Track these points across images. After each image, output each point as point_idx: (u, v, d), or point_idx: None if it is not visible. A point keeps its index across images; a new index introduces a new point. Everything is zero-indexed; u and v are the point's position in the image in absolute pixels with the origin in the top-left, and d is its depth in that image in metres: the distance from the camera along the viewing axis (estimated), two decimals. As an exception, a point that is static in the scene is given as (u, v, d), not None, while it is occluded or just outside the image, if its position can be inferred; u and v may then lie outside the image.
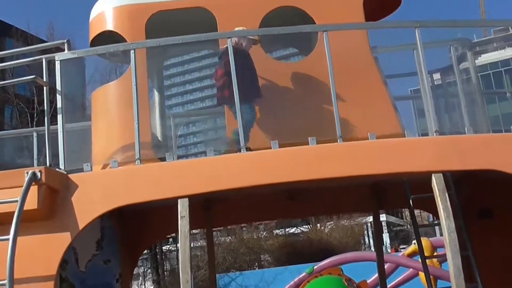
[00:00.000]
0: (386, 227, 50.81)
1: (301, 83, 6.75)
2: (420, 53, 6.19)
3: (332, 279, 13.38)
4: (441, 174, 5.60)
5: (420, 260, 8.37)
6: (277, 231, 39.32)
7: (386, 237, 48.62)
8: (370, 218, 46.82)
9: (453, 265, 5.34)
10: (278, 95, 6.71)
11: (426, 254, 12.16)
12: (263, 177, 5.77)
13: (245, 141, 5.96)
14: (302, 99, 6.68)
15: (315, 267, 17.82)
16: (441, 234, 7.38)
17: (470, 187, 7.22)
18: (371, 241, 51.25)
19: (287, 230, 40.91)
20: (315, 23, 6.96)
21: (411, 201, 6.99)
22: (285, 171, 5.77)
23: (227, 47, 6.33)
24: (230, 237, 24.74)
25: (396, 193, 7.65)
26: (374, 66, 6.67)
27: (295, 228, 41.87)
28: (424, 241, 14.42)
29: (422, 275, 15.07)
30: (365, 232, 47.96)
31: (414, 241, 16.13)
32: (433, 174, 5.62)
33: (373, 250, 46.72)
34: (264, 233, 34.41)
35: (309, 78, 6.75)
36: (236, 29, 6.73)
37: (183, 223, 5.49)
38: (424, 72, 6.18)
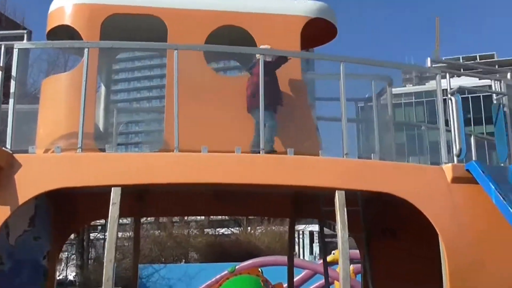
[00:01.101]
0: (317, 237, 52.22)
1: (235, 95, 7.49)
2: (341, 83, 7.06)
3: (249, 279, 14.09)
4: (343, 191, 6.50)
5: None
6: (208, 230, 39.92)
7: (316, 246, 50.12)
8: (301, 226, 48.18)
9: (343, 270, 6.24)
10: (214, 104, 7.42)
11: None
12: (191, 176, 6.49)
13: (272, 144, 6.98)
14: (236, 110, 7.42)
15: (237, 267, 18.57)
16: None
17: (377, 207, 8.19)
18: (301, 249, 52.69)
19: (217, 230, 41.61)
20: (255, 44, 7.75)
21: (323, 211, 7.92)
22: (211, 173, 6.52)
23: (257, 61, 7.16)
24: (159, 231, 25.20)
25: (312, 205, 8.54)
26: (304, 89, 7.53)
27: (225, 228, 42.62)
28: (338, 252, 15.42)
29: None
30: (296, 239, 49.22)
31: (334, 251, 17.15)
32: (336, 191, 6.51)
33: (302, 257, 48.09)
34: (195, 231, 34.92)
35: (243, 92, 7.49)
36: (262, 46, 7.48)
37: (113, 209, 6.14)
38: (343, 99, 7.05)
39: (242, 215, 20.51)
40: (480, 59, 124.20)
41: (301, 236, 52.45)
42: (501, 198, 6.20)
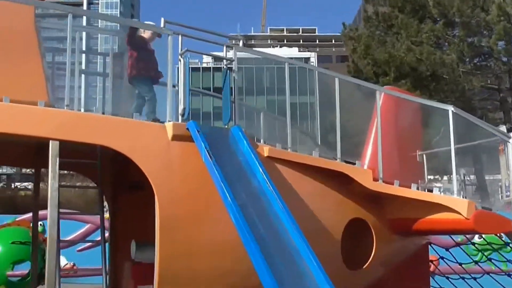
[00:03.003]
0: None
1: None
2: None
3: (18, 230, 13.88)
4: (57, 142, 6.49)
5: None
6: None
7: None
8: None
9: (50, 218, 6.31)
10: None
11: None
12: None
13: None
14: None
15: (18, 219, 17.93)
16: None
17: (124, 162, 8.28)
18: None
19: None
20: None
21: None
22: None
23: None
24: None
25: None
26: (35, 37, 7.29)
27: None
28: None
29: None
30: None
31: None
32: (50, 141, 6.49)
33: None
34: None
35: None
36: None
37: None
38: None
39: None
40: (302, 32, 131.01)
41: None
42: (209, 156, 6.63)
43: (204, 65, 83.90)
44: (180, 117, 7.36)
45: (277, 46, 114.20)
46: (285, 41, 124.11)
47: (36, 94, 6.94)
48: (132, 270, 7.87)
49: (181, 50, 7.40)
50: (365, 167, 8.84)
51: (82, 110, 7.57)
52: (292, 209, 7.67)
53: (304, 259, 5.85)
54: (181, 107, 7.34)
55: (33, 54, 7.22)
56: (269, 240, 5.97)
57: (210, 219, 7.05)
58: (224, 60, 7.83)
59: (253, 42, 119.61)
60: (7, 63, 6.89)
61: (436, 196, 8.28)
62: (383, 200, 8.85)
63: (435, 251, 11.06)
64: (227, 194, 6.16)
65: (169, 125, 7.13)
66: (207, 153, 6.67)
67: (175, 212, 6.83)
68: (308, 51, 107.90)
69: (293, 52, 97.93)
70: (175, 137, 7.09)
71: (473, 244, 12.38)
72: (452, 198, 8.20)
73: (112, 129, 6.91)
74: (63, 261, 16.78)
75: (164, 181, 6.88)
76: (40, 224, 16.81)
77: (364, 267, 8.47)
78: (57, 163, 6.45)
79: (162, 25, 7.44)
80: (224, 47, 7.79)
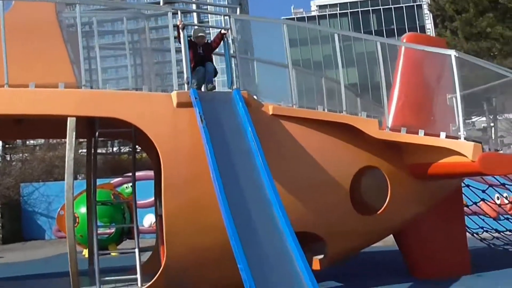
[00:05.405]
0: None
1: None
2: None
3: (101, 192, 15.48)
4: (74, 118, 7.54)
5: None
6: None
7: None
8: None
9: (67, 184, 7.43)
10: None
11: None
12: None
13: None
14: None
15: (111, 182, 19.74)
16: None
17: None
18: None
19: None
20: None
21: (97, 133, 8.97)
22: None
23: None
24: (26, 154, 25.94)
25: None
26: (57, 28, 8.33)
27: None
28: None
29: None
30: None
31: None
32: (68, 118, 7.55)
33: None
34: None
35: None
36: None
37: None
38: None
39: (41, 137, 21.44)
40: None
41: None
42: (200, 120, 7.36)
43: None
44: (185, 86, 8.11)
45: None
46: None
47: (61, 77, 8.02)
48: (159, 224, 8.87)
49: (181, 25, 8.12)
50: (390, 118, 9.11)
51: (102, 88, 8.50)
52: (297, 163, 8.30)
53: (273, 207, 6.49)
54: (185, 76, 8.08)
55: (56, 42, 8.28)
56: (247, 195, 6.69)
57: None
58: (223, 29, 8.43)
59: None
60: (33, 51, 8.02)
61: (442, 141, 8.43)
62: (402, 148, 9.13)
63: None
64: (210, 156, 6.88)
65: (174, 94, 7.91)
66: (199, 117, 7.41)
67: (179, 172, 7.69)
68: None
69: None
70: (180, 105, 7.85)
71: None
72: (457, 141, 8.33)
73: (120, 102, 7.82)
74: (150, 219, 18.39)
75: (168, 144, 7.71)
76: (126, 187, 18.67)
77: (379, 212, 8.87)
78: (73, 137, 7.50)
79: (161, 3, 8.19)
80: (223, 17, 8.38)
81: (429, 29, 67.31)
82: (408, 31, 34.02)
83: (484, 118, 12.45)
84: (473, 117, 13.91)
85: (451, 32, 26.37)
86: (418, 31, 70.04)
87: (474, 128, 14.11)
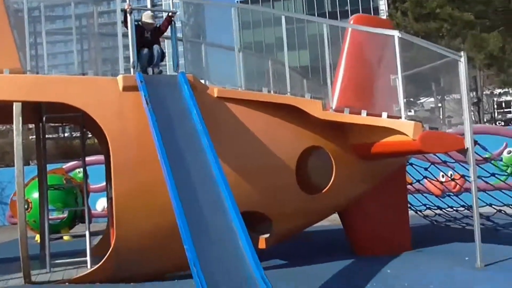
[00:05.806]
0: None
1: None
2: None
3: (53, 177, 15.40)
4: (20, 103, 7.56)
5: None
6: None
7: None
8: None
9: (17, 168, 7.45)
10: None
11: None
12: None
13: None
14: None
15: (63, 166, 19.60)
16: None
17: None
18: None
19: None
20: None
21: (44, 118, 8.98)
22: None
23: None
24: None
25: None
26: (3, 13, 8.24)
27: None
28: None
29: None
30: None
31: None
32: (14, 103, 7.56)
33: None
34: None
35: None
36: None
37: None
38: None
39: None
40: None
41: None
42: (146, 103, 7.48)
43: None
44: (131, 70, 8.19)
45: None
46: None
47: (7, 63, 7.98)
48: (110, 207, 8.95)
49: (129, 9, 8.18)
50: (335, 99, 9.40)
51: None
52: (242, 144, 8.51)
53: (219, 187, 6.70)
54: (131, 60, 8.16)
55: (2, 28, 8.21)
56: (194, 176, 6.88)
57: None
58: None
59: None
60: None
61: (383, 120, 8.74)
62: (347, 128, 9.43)
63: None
64: (157, 138, 7.02)
65: (119, 78, 7.99)
66: (145, 100, 7.53)
67: (127, 155, 7.81)
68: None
69: None
70: (126, 88, 7.95)
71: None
72: (398, 121, 8.65)
73: (65, 87, 7.87)
74: (103, 204, 18.42)
75: (116, 127, 7.82)
76: (78, 172, 18.58)
77: (324, 190, 9.18)
78: (20, 122, 7.53)
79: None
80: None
81: (383, 10, 68.15)
82: (362, 13, 34.55)
83: (432, 99, 12.91)
84: (421, 98, 14.41)
85: (401, 13, 26.85)
86: (372, 12, 70.97)
87: (423, 108, 14.62)
